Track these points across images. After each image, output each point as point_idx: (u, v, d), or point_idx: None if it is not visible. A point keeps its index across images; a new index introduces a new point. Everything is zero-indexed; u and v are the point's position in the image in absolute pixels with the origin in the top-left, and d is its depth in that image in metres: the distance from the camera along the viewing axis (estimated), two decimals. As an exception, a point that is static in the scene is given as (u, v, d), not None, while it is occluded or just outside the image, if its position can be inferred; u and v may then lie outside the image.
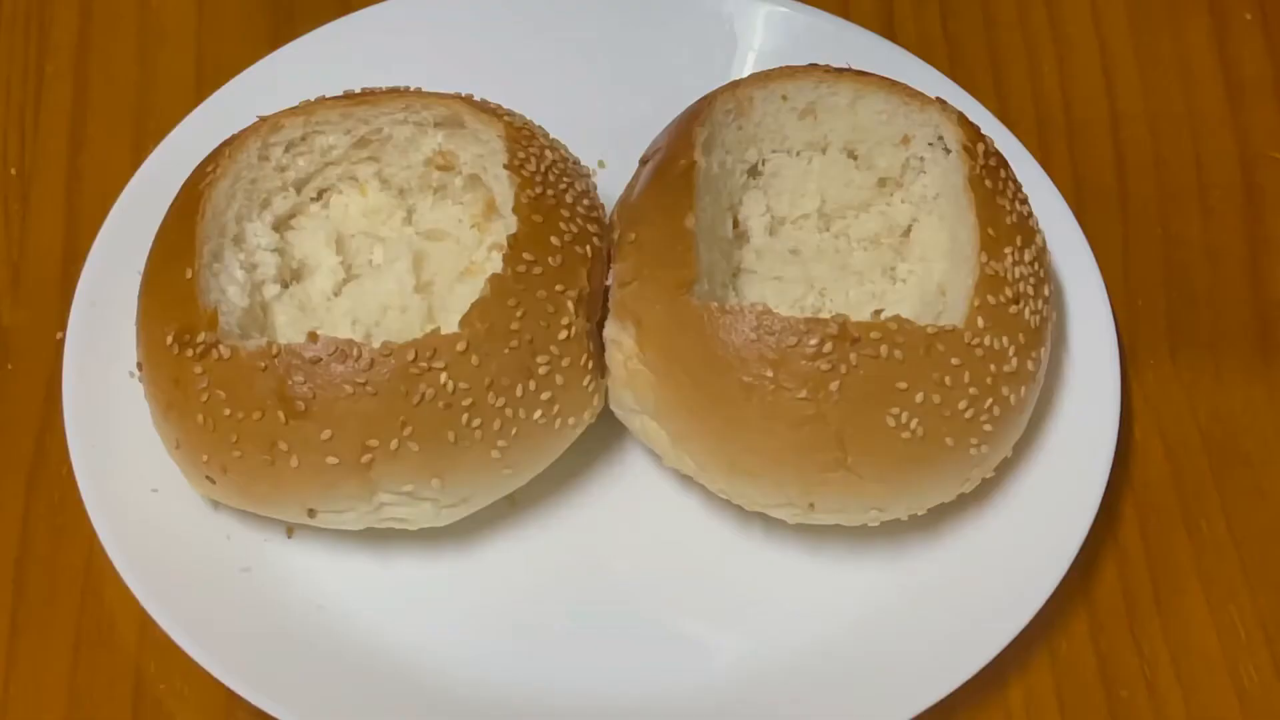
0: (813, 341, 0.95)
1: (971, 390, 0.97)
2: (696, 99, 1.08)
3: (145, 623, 1.00)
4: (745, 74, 1.12)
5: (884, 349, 0.95)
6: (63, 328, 1.08)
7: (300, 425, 0.94)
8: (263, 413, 0.94)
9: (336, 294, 1.05)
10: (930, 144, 1.08)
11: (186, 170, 1.05)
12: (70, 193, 1.19)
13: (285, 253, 1.05)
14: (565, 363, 0.98)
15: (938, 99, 1.08)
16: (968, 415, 0.97)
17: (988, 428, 0.99)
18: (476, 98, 1.08)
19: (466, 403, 0.95)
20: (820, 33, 1.22)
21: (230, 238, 1.02)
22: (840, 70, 1.09)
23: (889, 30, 1.29)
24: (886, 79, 1.09)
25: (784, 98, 1.08)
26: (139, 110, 1.23)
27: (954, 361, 0.97)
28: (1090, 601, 1.07)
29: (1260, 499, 1.11)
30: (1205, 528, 1.10)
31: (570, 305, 0.99)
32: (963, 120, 1.07)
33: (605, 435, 1.07)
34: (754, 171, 1.09)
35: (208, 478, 0.98)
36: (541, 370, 0.97)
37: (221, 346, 0.95)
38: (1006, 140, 1.16)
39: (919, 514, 1.02)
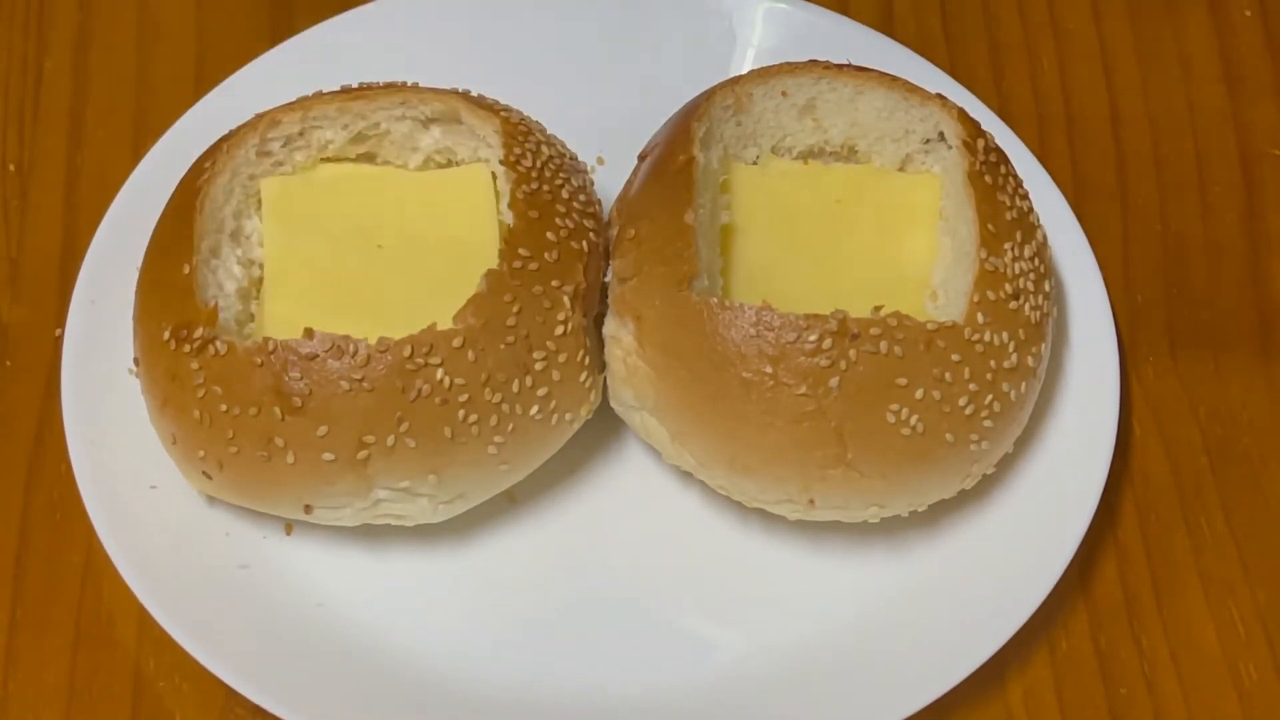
0: (812, 338, 0.95)
1: (972, 386, 0.97)
2: (695, 95, 1.08)
3: (144, 620, 1.00)
4: (744, 70, 1.12)
5: (884, 345, 0.95)
6: (61, 324, 1.07)
7: (296, 421, 0.94)
8: (259, 409, 0.94)
9: (334, 289, 1.05)
10: (930, 140, 1.08)
11: (185, 166, 1.05)
12: (69, 189, 1.19)
13: (283, 248, 1.06)
14: (562, 358, 0.98)
15: (938, 95, 1.08)
16: (968, 411, 0.97)
17: (988, 424, 0.98)
18: (474, 94, 1.08)
19: (463, 398, 0.95)
20: (820, 29, 1.22)
21: (228, 233, 1.02)
22: (840, 66, 1.09)
23: (889, 27, 1.29)
24: (886, 75, 1.09)
25: (783, 94, 1.08)
26: (138, 107, 1.23)
27: (954, 357, 0.96)
28: (1090, 598, 1.07)
29: (1260, 496, 1.11)
30: (1205, 525, 1.10)
31: (566, 300, 0.98)
32: (963, 116, 1.07)
33: (604, 431, 1.07)
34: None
35: (204, 473, 0.98)
36: (538, 366, 0.97)
37: (218, 342, 0.95)
38: (1006, 137, 1.16)
39: (919, 510, 1.02)
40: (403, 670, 1.00)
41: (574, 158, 1.08)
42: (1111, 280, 1.14)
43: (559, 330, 0.98)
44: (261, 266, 1.03)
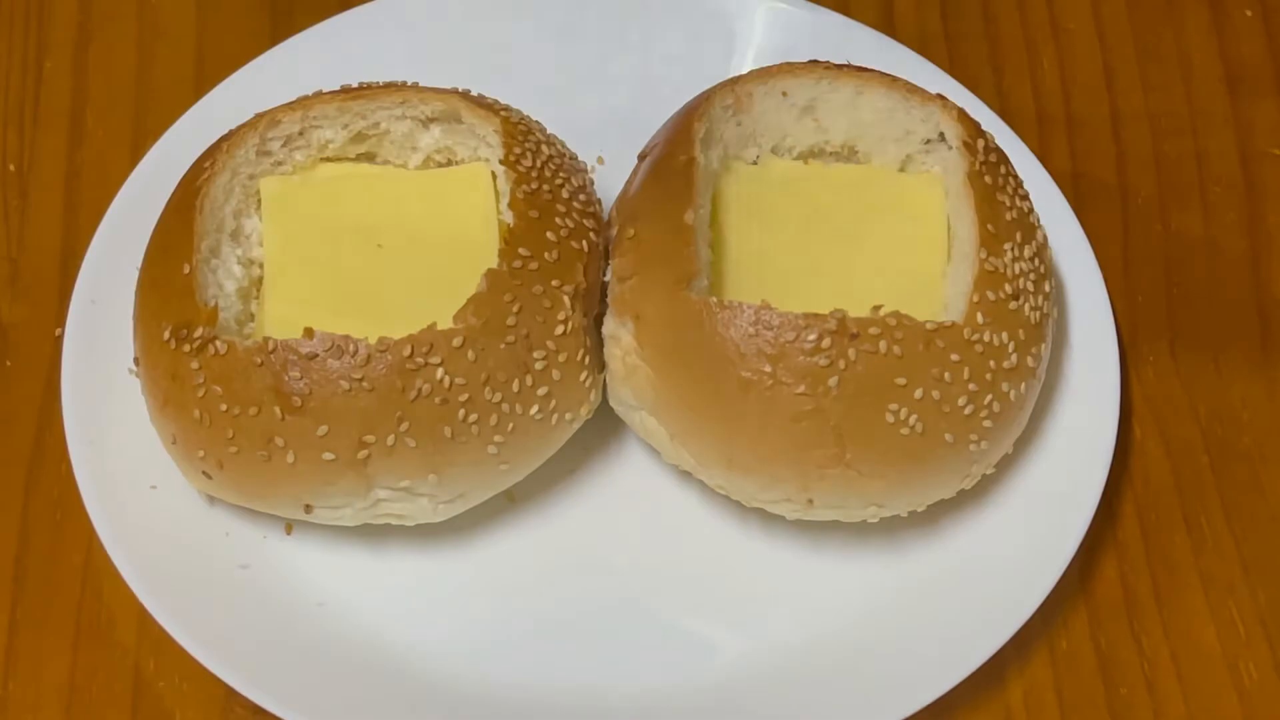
0: (811, 337, 0.95)
1: (971, 386, 0.97)
2: (695, 95, 1.08)
3: (144, 620, 1.00)
4: (745, 70, 1.12)
5: (883, 344, 0.95)
6: (62, 324, 1.07)
7: (297, 421, 0.94)
8: (259, 408, 0.94)
9: (333, 289, 1.05)
10: (930, 140, 1.08)
11: (185, 166, 1.05)
12: (69, 189, 1.19)
13: (283, 248, 1.05)
14: (562, 358, 0.98)
15: (938, 95, 1.08)
16: (967, 411, 0.97)
17: (987, 424, 0.98)
18: (474, 93, 1.08)
19: (463, 398, 0.95)
20: (820, 29, 1.22)
21: (228, 233, 1.02)
22: (840, 67, 1.09)
23: (889, 27, 1.29)
24: (887, 75, 1.09)
25: (784, 94, 1.08)
26: (138, 106, 1.23)
27: (953, 357, 0.96)
28: (1090, 598, 1.07)
29: (1260, 496, 1.11)
30: (1205, 524, 1.10)
31: (567, 300, 0.98)
32: (963, 116, 1.07)
33: (604, 431, 1.07)
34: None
35: (204, 473, 0.98)
36: (538, 365, 0.97)
37: (218, 342, 0.95)
38: (1006, 137, 1.16)
39: (918, 510, 1.02)
40: (403, 670, 1.00)
41: (574, 157, 1.08)
42: (1111, 280, 1.14)
43: (559, 330, 0.98)
44: (261, 266, 1.03)
